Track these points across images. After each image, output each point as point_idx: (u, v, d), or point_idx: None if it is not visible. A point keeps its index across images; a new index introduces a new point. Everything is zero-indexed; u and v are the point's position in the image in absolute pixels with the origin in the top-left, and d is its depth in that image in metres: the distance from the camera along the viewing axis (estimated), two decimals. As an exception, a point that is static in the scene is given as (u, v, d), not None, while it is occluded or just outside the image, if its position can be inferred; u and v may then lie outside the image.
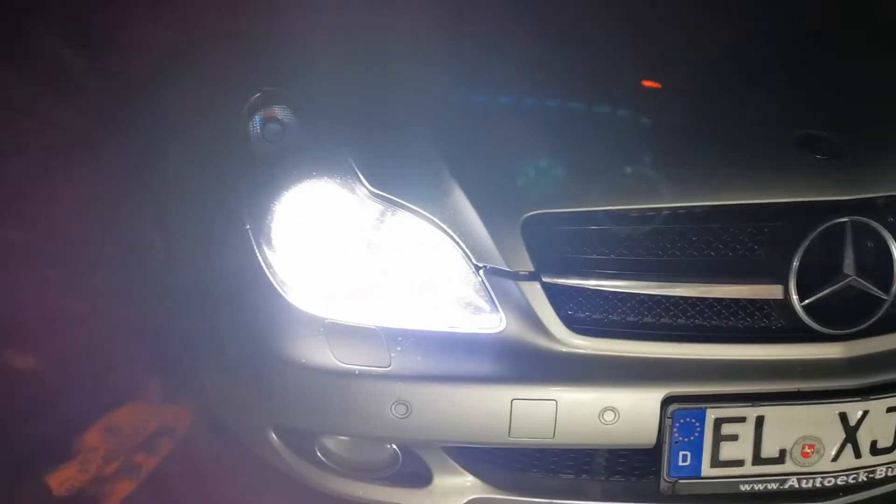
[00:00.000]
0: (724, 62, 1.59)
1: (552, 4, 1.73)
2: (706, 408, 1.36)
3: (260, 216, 1.43)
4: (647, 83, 1.54)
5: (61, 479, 1.84)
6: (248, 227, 1.44)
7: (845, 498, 1.49)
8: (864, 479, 1.43)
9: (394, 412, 1.36)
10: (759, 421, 1.37)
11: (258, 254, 1.42)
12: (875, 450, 1.42)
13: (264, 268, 1.42)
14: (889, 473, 1.45)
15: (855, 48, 1.68)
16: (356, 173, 1.40)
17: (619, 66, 1.55)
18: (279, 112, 1.49)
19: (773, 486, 1.41)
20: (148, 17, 1.89)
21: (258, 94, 1.50)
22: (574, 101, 1.51)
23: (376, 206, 1.40)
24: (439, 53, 1.58)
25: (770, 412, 1.37)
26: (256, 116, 1.49)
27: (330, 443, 1.49)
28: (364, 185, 1.40)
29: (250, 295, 1.44)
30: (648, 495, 1.46)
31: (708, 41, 1.64)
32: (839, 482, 1.43)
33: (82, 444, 1.93)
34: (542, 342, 1.37)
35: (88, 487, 1.88)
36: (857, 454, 1.41)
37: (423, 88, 1.51)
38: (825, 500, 1.47)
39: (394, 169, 1.42)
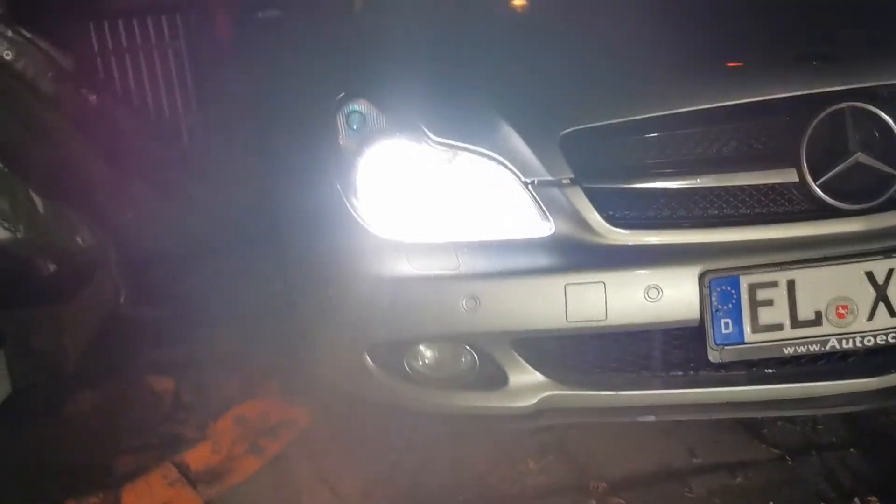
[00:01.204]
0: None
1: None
2: (739, 275, 1.53)
3: (346, 175, 1.73)
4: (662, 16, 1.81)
5: (197, 457, 2.11)
6: (338, 185, 1.75)
7: (900, 374, 1.59)
8: (905, 338, 1.53)
9: (464, 306, 1.59)
10: (791, 284, 1.52)
11: (347, 204, 1.72)
12: (909, 308, 1.53)
13: (352, 212, 1.71)
14: (930, 333, 1.54)
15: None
16: (422, 129, 1.70)
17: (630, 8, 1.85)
18: (360, 105, 1.83)
19: (816, 347, 1.54)
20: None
21: (342, 94, 1.85)
22: (594, 37, 1.80)
23: (440, 151, 1.69)
24: (474, 28, 1.97)
25: (800, 275, 1.52)
26: (342, 111, 1.83)
27: (415, 360, 1.72)
28: (429, 137, 1.69)
29: (344, 236, 1.72)
30: (703, 379, 1.60)
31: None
32: (879, 341, 1.53)
33: (215, 429, 2.20)
34: (588, 237, 1.60)
35: (221, 464, 2.13)
36: (892, 313, 1.53)
37: (468, 57, 1.85)
38: (880, 375, 1.58)
39: (452, 120, 1.72)
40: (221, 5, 5.65)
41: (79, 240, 2.94)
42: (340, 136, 1.78)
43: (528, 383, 1.65)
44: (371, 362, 1.72)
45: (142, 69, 6.09)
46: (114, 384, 2.55)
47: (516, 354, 1.64)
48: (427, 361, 1.72)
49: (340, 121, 1.79)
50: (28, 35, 3.35)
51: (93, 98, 3.74)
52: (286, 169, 1.98)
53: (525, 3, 2.06)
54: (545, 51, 1.80)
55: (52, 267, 2.88)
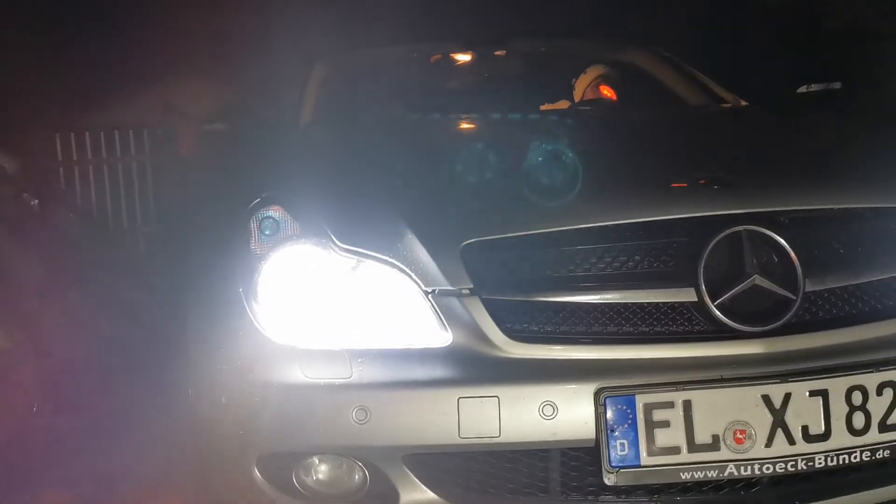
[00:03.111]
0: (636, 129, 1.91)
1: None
2: (635, 394, 1.49)
3: (250, 278, 1.70)
4: (568, 139, 1.86)
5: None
6: (240, 289, 1.72)
7: (804, 510, 1.53)
8: (804, 467, 1.49)
9: (354, 418, 1.52)
10: (687, 405, 1.48)
11: (247, 307, 1.68)
12: (808, 436, 1.49)
13: (251, 316, 1.67)
14: (830, 463, 1.50)
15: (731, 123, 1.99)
16: (328, 235, 1.69)
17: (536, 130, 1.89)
18: (274, 211, 1.82)
19: (713, 473, 1.48)
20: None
21: (258, 200, 1.85)
22: (500, 154, 1.83)
23: (344, 258, 1.67)
24: (395, 144, 1.96)
25: (696, 396, 1.49)
26: (255, 216, 1.82)
27: (306, 475, 1.63)
28: (335, 243, 1.68)
29: (240, 340, 1.67)
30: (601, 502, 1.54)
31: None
32: (779, 470, 1.48)
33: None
34: (485, 350, 1.56)
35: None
36: (791, 440, 1.49)
37: (382, 169, 1.88)
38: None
39: (359, 227, 1.71)
40: (185, 121, 5.76)
41: (-6, 343, 2.85)
42: (253, 241, 1.76)
43: (420, 503, 1.57)
44: (259, 475, 1.64)
45: (104, 180, 6.13)
46: (9, 499, 2.42)
47: (408, 471, 1.56)
48: (318, 476, 1.63)
49: (254, 226, 1.77)
50: (-27, 139, 3.36)
51: (35, 202, 3.71)
52: (197, 272, 1.94)
53: (443, 124, 2.09)
54: (454, 166, 1.83)
55: (-33, 371, 2.77)
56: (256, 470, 1.63)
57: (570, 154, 1.76)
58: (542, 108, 3.13)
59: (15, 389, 2.87)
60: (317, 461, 1.63)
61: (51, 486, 2.50)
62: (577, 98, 3.17)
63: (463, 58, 3.51)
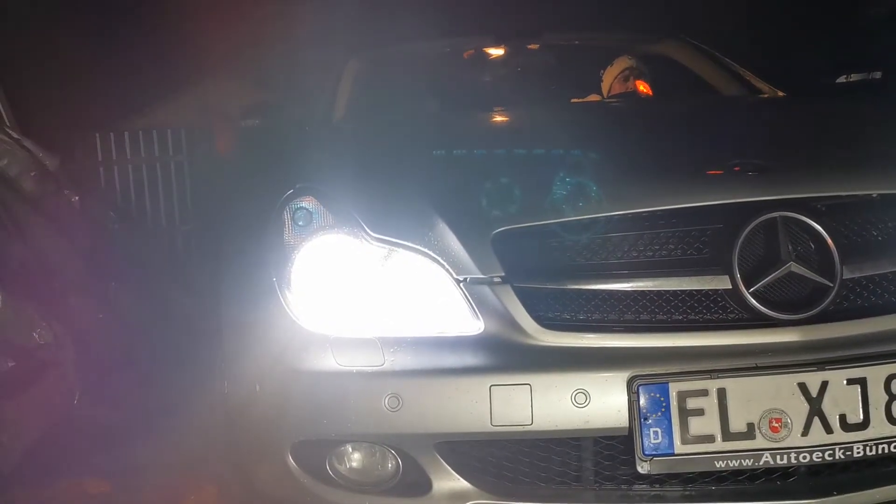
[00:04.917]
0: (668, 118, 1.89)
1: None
2: (668, 382, 1.48)
3: (283, 268, 1.72)
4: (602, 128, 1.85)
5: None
6: (274, 279, 1.73)
7: (840, 497, 1.51)
8: (842, 456, 1.46)
9: (387, 405, 1.53)
10: (721, 394, 1.47)
11: (280, 297, 1.70)
12: (846, 425, 1.47)
13: (284, 305, 1.68)
14: (869, 453, 1.47)
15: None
16: (360, 224, 1.70)
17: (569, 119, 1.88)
18: (307, 202, 1.83)
19: (749, 461, 1.47)
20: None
21: (291, 191, 1.86)
22: (533, 143, 1.82)
23: (376, 247, 1.68)
24: (425, 135, 1.97)
25: (731, 384, 1.47)
26: (288, 207, 1.83)
27: (339, 463, 1.64)
28: (367, 232, 1.69)
29: (273, 329, 1.69)
30: (636, 494, 1.53)
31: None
32: (816, 459, 1.46)
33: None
34: (517, 338, 1.56)
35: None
36: (828, 429, 1.47)
37: (414, 159, 1.88)
38: (820, 497, 1.50)
39: (390, 217, 1.72)
40: (221, 120, 5.82)
41: (36, 336, 2.90)
42: (286, 232, 1.77)
43: (452, 491, 1.57)
44: (293, 463, 1.65)
45: (143, 179, 6.22)
46: (49, 486, 2.47)
47: (441, 459, 1.56)
48: (352, 464, 1.64)
49: (287, 216, 1.78)
50: (15, 136, 3.43)
51: (75, 199, 3.77)
52: (231, 262, 1.96)
53: (474, 117, 2.10)
54: (484, 156, 1.83)
55: (10, 363, 2.82)
56: (290, 457, 1.65)
57: (601, 142, 1.75)
58: (573, 101, 3.12)
59: (57, 381, 2.92)
60: (350, 449, 1.63)
61: (91, 474, 2.55)
62: (604, 89, 3.15)
63: (495, 52, 3.51)
